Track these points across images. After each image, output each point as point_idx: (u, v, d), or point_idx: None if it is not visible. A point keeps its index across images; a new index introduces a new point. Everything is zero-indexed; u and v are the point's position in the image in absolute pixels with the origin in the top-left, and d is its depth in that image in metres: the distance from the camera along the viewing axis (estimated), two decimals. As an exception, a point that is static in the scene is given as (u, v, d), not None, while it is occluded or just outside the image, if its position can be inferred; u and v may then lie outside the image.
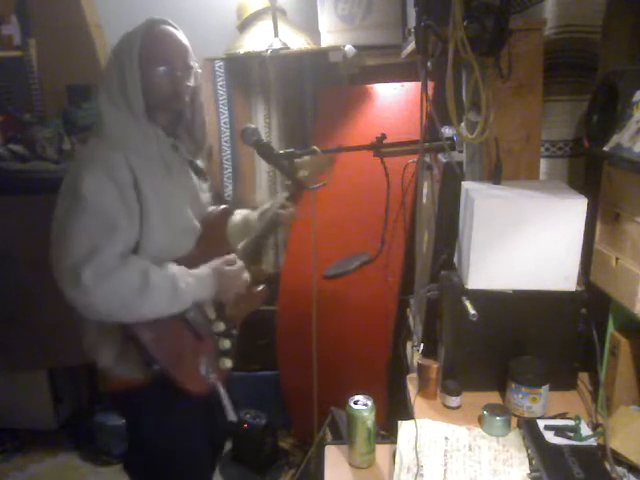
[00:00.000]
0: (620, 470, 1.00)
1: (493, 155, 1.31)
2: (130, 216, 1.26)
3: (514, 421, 1.15)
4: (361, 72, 2.45)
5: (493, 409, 1.14)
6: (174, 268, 1.31)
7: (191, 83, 1.35)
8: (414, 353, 1.58)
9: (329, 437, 1.70)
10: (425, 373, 1.29)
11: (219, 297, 1.41)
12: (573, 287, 1.21)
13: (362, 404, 1.12)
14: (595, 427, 1.12)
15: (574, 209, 1.17)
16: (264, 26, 2.40)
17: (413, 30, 1.31)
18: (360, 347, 2.10)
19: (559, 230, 1.18)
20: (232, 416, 1.44)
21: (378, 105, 2.33)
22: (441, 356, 1.33)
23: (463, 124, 1.40)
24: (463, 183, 1.31)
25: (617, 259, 1.14)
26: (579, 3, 1.35)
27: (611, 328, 1.20)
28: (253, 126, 1.48)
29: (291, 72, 2.55)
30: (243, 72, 2.57)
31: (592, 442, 1.05)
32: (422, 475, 1.02)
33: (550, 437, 1.06)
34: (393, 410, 1.89)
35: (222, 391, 1.41)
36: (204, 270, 1.37)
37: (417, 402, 1.28)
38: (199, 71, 1.40)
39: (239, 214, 1.67)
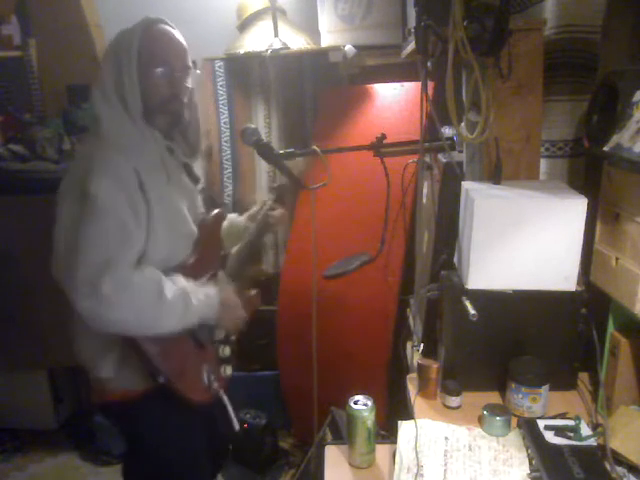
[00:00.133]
0: (620, 470, 1.00)
1: (493, 155, 1.31)
2: (140, 221, 1.22)
3: (514, 421, 1.15)
4: (361, 72, 2.45)
5: (493, 409, 1.14)
6: (184, 282, 1.28)
7: (189, 84, 1.34)
8: (414, 353, 1.58)
9: (329, 437, 1.70)
10: (425, 373, 1.29)
11: (219, 321, 1.40)
12: (573, 287, 1.21)
13: (362, 404, 1.12)
14: (595, 427, 1.12)
15: (574, 209, 1.17)
16: (264, 26, 2.40)
17: (413, 30, 1.30)
18: (360, 347, 2.10)
19: (559, 230, 1.18)
20: (237, 426, 1.44)
21: (378, 105, 2.33)
22: (441, 356, 1.33)
23: (463, 124, 1.40)
24: (463, 183, 1.31)
25: (617, 259, 1.14)
26: (579, 3, 1.35)
27: (611, 328, 1.20)
28: (253, 126, 1.47)
29: (291, 72, 2.55)
30: (243, 72, 2.57)
31: (592, 442, 1.05)
32: (422, 475, 1.02)
33: (550, 437, 1.06)
34: (393, 410, 1.89)
35: (226, 400, 1.41)
36: (212, 289, 1.36)
37: (417, 402, 1.27)
38: (198, 72, 1.38)
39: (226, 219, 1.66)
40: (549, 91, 1.38)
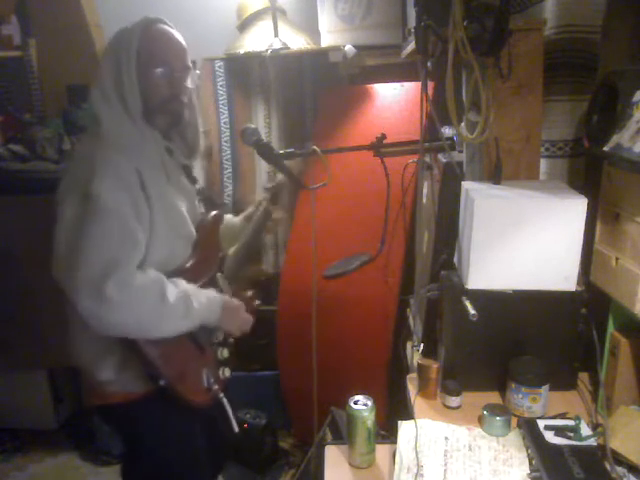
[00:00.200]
0: (620, 470, 1.00)
1: (493, 155, 1.31)
2: (142, 222, 1.21)
3: (514, 421, 1.15)
4: (361, 72, 2.45)
5: (493, 409, 1.14)
6: (186, 285, 1.28)
7: (189, 84, 1.33)
8: (414, 353, 1.58)
9: (329, 437, 1.70)
10: (425, 373, 1.29)
11: (223, 325, 1.40)
12: (573, 287, 1.21)
13: (362, 404, 1.12)
14: (595, 427, 1.12)
15: (574, 209, 1.17)
16: (264, 26, 2.40)
17: (413, 30, 1.30)
18: (360, 347, 2.10)
19: (559, 230, 1.18)
20: (236, 428, 1.44)
21: (378, 105, 2.33)
22: (441, 356, 1.33)
23: (463, 124, 1.40)
24: (463, 183, 1.31)
25: (617, 259, 1.14)
26: (579, 3, 1.35)
27: (611, 328, 1.20)
28: (253, 126, 1.47)
29: (291, 72, 2.55)
30: (243, 72, 2.57)
31: (592, 442, 1.05)
32: (422, 475, 1.02)
33: (550, 437, 1.06)
34: (393, 410, 1.89)
35: (226, 403, 1.41)
36: (213, 293, 1.35)
37: (417, 402, 1.28)
38: (197, 72, 1.38)
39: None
40: (549, 91, 1.38)
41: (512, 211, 1.18)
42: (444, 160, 1.52)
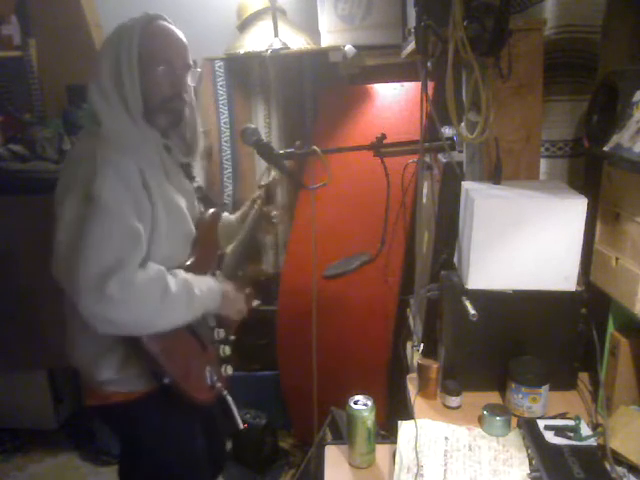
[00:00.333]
0: (620, 470, 1.00)
1: (493, 155, 1.31)
2: (144, 221, 1.20)
3: (514, 421, 1.15)
4: (361, 72, 2.45)
5: (493, 409, 1.14)
6: (185, 274, 1.28)
7: (190, 82, 1.32)
8: (414, 353, 1.58)
9: (329, 437, 1.70)
10: (425, 373, 1.29)
11: (222, 312, 1.41)
12: (573, 287, 1.21)
13: (362, 404, 1.12)
14: (595, 427, 1.12)
15: (574, 209, 1.17)
16: (264, 26, 2.40)
17: (413, 30, 1.30)
18: (360, 347, 2.10)
19: (559, 230, 1.18)
20: (241, 424, 1.44)
21: (378, 105, 2.33)
22: (441, 356, 1.33)
23: (463, 124, 1.40)
24: (463, 183, 1.31)
25: (617, 259, 1.14)
26: (579, 3, 1.35)
27: (611, 328, 1.20)
28: (253, 126, 1.47)
29: (291, 72, 2.55)
30: (243, 72, 2.57)
31: (592, 442, 1.05)
32: (422, 475, 1.02)
33: (550, 437, 1.06)
34: (393, 410, 1.89)
35: (230, 400, 1.41)
36: (212, 281, 1.36)
37: (417, 402, 1.28)
38: (198, 70, 1.37)
39: None
40: (549, 91, 1.38)
41: (512, 211, 1.18)
42: (444, 160, 1.52)
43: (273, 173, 1.63)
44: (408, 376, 1.38)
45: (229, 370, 1.45)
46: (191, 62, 1.33)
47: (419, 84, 1.37)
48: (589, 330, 1.21)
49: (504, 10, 1.13)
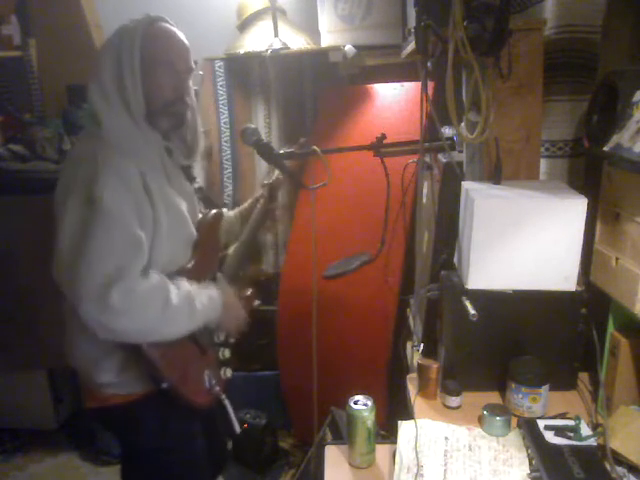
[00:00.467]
0: (620, 470, 1.00)
1: (493, 155, 1.31)
2: (146, 226, 1.20)
3: (514, 421, 1.15)
4: (361, 72, 2.45)
5: (493, 409, 1.14)
6: (188, 286, 1.27)
7: (192, 84, 1.32)
8: (414, 353, 1.58)
9: (329, 437, 1.70)
10: (425, 373, 1.29)
11: (222, 323, 1.40)
12: (573, 287, 1.21)
13: (362, 404, 1.12)
14: (595, 427, 1.12)
15: (574, 209, 1.17)
16: (264, 26, 2.40)
17: (413, 30, 1.30)
18: (360, 347, 2.10)
19: (559, 230, 1.18)
20: (238, 428, 1.44)
21: (378, 105, 2.33)
22: (441, 356, 1.33)
23: (463, 124, 1.40)
24: (463, 183, 1.31)
25: (617, 259, 1.14)
26: (579, 3, 1.35)
27: (611, 328, 1.20)
28: (253, 126, 1.47)
29: (291, 72, 2.55)
30: (243, 72, 2.57)
31: (592, 442, 1.05)
32: (422, 475, 1.02)
33: (550, 437, 1.06)
34: (393, 410, 1.89)
35: (228, 404, 1.41)
36: (214, 292, 1.35)
37: (417, 402, 1.27)
38: (200, 72, 1.37)
39: None
40: (549, 91, 1.38)
41: (512, 211, 1.18)
42: (444, 160, 1.52)
43: (277, 172, 1.62)
44: (408, 376, 1.38)
45: (228, 373, 1.45)
46: (193, 65, 1.32)
47: (419, 84, 1.37)
48: (589, 330, 1.21)
49: (504, 10, 1.13)
